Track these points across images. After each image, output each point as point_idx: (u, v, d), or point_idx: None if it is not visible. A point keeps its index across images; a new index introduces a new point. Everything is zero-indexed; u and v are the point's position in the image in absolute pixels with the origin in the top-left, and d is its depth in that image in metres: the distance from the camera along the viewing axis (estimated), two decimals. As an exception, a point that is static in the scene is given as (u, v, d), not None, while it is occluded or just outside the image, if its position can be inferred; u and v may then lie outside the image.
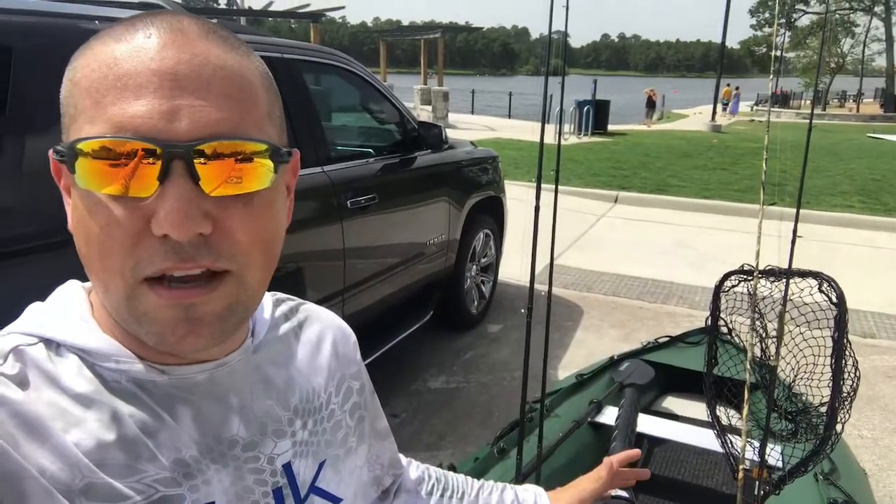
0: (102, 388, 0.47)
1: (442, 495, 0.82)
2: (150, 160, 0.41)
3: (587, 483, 0.95)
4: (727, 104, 27.39)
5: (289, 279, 2.45)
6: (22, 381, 0.44)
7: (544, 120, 1.45)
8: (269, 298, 0.61)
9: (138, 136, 0.41)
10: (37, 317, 0.50)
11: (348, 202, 2.70)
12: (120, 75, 0.42)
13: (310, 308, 0.65)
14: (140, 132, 0.41)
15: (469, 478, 0.88)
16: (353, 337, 0.68)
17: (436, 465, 0.90)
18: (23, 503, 0.38)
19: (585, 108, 16.31)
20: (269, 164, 0.45)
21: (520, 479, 1.50)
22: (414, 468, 0.83)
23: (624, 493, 1.07)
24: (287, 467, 0.55)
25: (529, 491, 0.91)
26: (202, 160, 0.42)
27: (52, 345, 0.47)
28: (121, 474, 0.45)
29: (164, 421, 0.48)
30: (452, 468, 1.74)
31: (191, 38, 0.44)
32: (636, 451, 1.02)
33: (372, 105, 3.56)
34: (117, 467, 0.45)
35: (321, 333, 0.64)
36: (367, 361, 2.94)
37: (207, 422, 0.50)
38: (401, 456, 0.82)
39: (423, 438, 2.94)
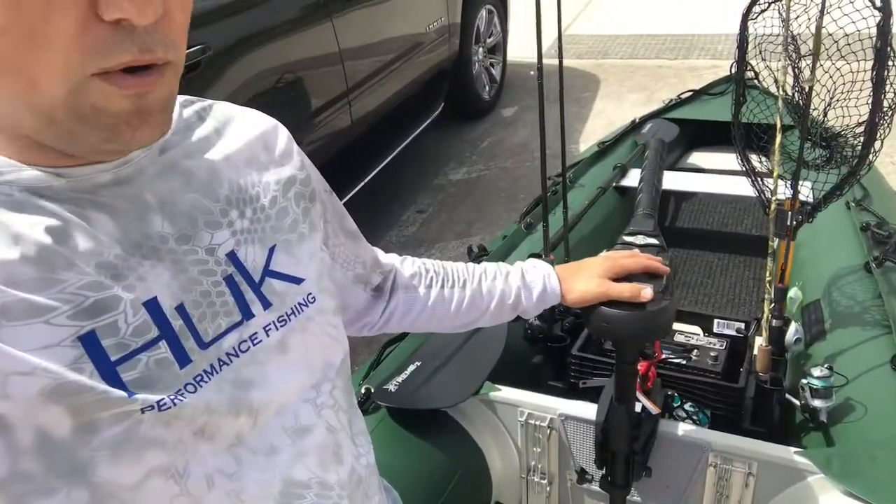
0: None
1: (442, 287, 0.80)
2: None
3: (597, 263, 0.85)
4: None
5: (289, 89, 2.34)
6: None
7: None
8: (177, 99, 0.57)
9: None
10: None
11: (331, -8, 2.49)
12: None
13: (229, 107, 0.60)
14: None
15: (472, 265, 0.84)
16: (284, 130, 0.64)
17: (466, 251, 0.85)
18: None
19: None
20: None
21: (548, 249, 1.51)
22: (409, 265, 0.81)
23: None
24: (232, 256, 0.53)
25: (538, 270, 0.84)
26: None
27: None
28: (37, 288, 0.42)
29: (72, 226, 0.44)
30: (483, 249, 1.78)
31: None
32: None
33: None
34: (30, 282, 0.41)
35: (247, 128, 0.59)
36: (384, 163, 2.87)
37: (125, 220, 0.47)
38: (394, 255, 0.81)
39: (453, 228, 2.99)
